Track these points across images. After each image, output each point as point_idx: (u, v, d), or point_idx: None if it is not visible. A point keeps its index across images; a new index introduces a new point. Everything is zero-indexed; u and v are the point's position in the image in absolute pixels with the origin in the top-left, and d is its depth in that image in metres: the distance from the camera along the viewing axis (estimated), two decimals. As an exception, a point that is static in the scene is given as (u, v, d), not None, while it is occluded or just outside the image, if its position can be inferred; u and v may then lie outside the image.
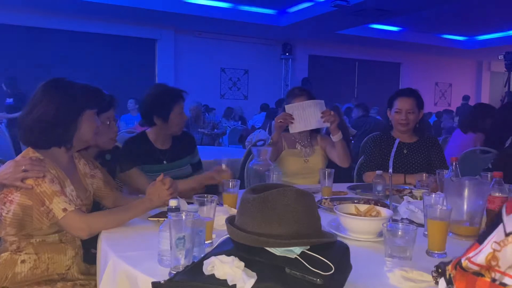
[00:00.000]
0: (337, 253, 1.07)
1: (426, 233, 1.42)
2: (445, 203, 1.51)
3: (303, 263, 0.97)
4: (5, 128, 5.57)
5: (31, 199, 1.49)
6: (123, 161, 2.14)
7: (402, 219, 1.65)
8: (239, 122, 9.35)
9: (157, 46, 10.94)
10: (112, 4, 8.55)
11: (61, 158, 1.64)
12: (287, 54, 12.45)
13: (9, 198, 1.50)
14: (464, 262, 0.78)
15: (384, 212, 1.50)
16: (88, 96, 1.66)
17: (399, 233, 1.26)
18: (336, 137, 2.58)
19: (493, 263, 0.74)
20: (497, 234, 0.75)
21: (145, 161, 2.28)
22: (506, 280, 0.72)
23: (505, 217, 0.76)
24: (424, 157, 2.66)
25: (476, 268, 0.76)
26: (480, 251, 0.77)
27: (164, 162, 2.38)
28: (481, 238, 0.79)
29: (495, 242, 0.75)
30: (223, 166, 2.12)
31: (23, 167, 1.47)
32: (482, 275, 0.75)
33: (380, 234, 1.39)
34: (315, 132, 2.81)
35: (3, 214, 1.51)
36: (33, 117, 1.55)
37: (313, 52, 12.96)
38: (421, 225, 1.52)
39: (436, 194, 1.62)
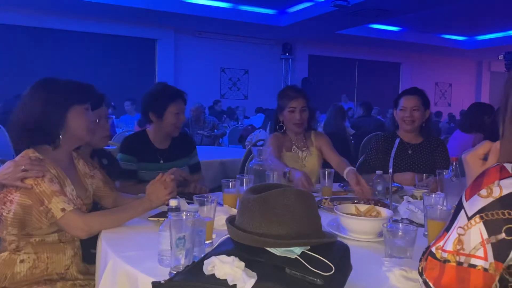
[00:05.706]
0: (337, 253, 1.06)
1: (426, 233, 1.42)
2: (445, 203, 1.51)
3: (303, 263, 0.97)
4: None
5: (30, 198, 1.49)
6: (112, 171, 2.15)
7: (402, 219, 1.65)
8: (239, 122, 9.35)
9: (157, 46, 10.96)
10: (112, 4, 8.55)
11: (61, 158, 1.64)
12: (287, 54, 12.46)
13: (9, 198, 1.50)
14: (437, 252, 0.81)
15: (384, 212, 1.50)
16: (74, 91, 1.63)
17: (399, 233, 1.26)
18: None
19: (458, 246, 0.78)
20: (461, 219, 0.80)
21: (142, 158, 2.33)
22: (473, 261, 0.76)
23: (465, 203, 0.80)
24: (428, 158, 2.65)
25: (446, 255, 0.80)
26: (448, 238, 0.80)
27: (161, 161, 2.40)
28: (448, 227, 0.83)
29: (460, 227, 0.79)
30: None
31: (23, 167, 1.48)
32: (449, 261, 0.78)
33: (380, 234, 1.38)
34: (309, 129, 2.73)
35: (4, 214, 1.52)
36: (22, 118, 1.56)
37: (313, 52, 12.96)
38: (421, 225, 1.52)
39: (436, 194, 1.62)
